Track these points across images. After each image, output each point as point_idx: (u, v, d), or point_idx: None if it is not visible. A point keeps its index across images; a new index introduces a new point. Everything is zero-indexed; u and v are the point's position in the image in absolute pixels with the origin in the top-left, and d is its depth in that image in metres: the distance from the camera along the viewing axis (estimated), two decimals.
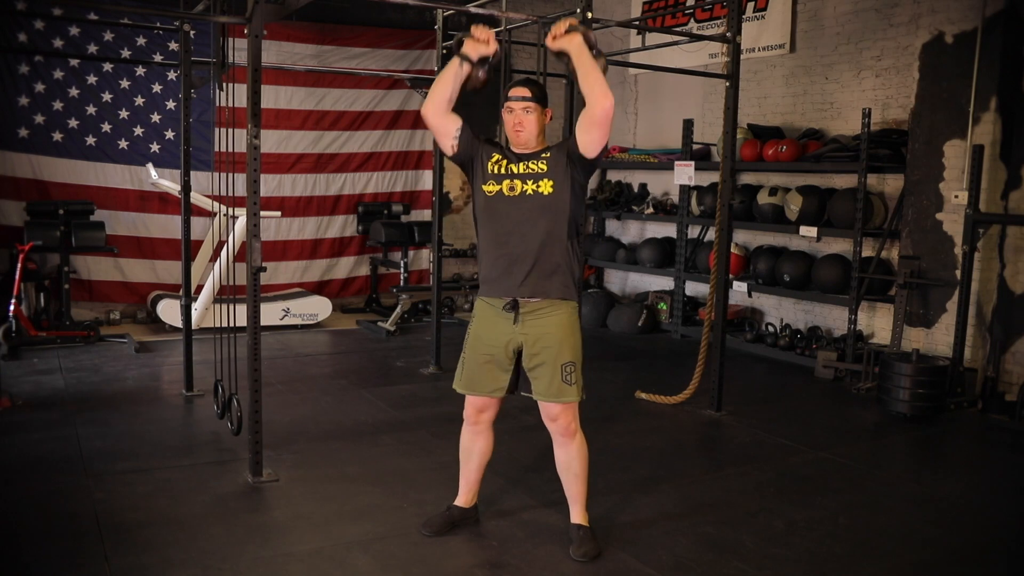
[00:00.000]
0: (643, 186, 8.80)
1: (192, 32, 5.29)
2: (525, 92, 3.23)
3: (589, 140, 3.15)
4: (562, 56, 3.18)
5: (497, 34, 5.50)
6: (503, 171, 3.25)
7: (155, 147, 7.72)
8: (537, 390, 3.29)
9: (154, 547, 3.32)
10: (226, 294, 5.94)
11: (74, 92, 7.40)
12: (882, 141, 6.32)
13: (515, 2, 7.94)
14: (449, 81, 3.21)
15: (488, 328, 3.33)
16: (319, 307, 7.90)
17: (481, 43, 3.20)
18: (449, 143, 3.28)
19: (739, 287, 7.06)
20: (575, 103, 4.75)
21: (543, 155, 3.25)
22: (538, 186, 3.21)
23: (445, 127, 3.27)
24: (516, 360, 3.34)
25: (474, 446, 3.49)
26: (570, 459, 3.36)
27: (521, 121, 3.23)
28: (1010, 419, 5.38)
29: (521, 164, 3.25)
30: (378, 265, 8.83)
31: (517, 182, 3.23)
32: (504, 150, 3.32)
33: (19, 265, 6.49)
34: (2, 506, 3.70)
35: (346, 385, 5.93)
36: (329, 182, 8.63)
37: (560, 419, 3.29)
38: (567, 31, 3.12)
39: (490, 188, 3.26)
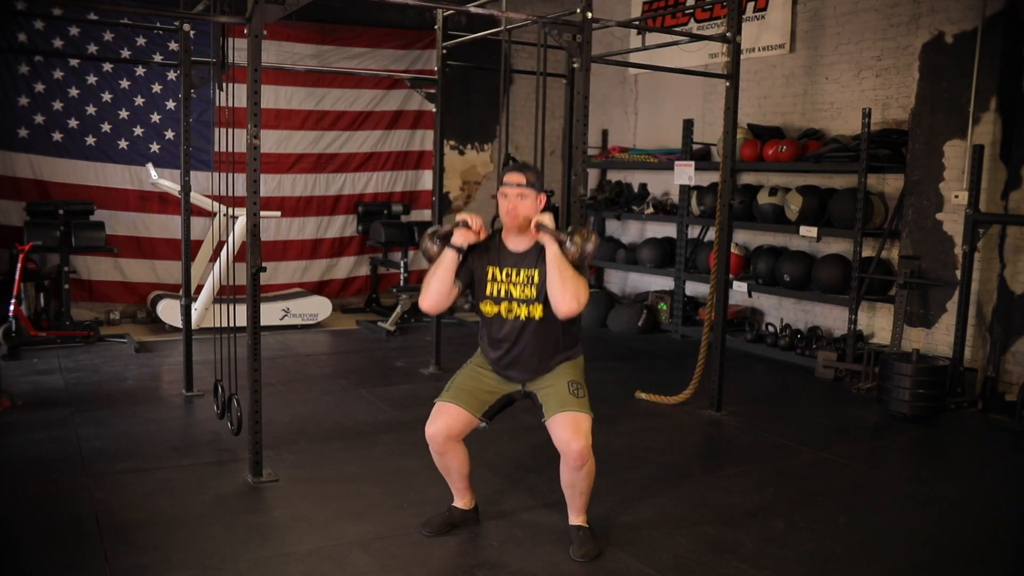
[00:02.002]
0: (643, 186, 8.80)
1: (192, 32, 5.28)
2: (520, 179, 3.28)
3: (560, 315, 3.26)
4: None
5: (497, 34, 5.53)
6: (500, 293, 3.34)
7: (155, 147, 7.72)
8: (548, 410, 3.30)
9: (154, 547, 3.32)
10: (226, 294, 5.94)
11: (74, 92, 7.40)
12: (882, 141, 6.32)
13: (515, 2, 7.94)
14: (446, 276, 3.29)
15: (489, 373, 3.46)
16: (319, 307, 7.90)
17: (472, 234, 3.29)
18: (455, 296, 3.38)
19: (739, 287, 7.06)
20: (575, 103, 4.76)
21: (536, 272, 3.30)
22: (530, 311, 3.31)
23: (449, 302, 3.37)
24: (506, 400, 3.45)
25: (450, 464, 3.45)
26: (577, 480, 3.32)
27: (515, 207, 3.28)
28: (1010, 419, 5.38)
29: (515, 277, 3.32)
30: (378, 265, 8.83)
31: (514, 305, 3.33)
32: (497, 252, 3.37)
33: (19, 265, 6.48)
34: (2, 506, 3.70)
35: (346, 385, 5.93)
36: (329, 182, 8.63)
37: (574, 444, 3.19)
38: (537, 229, 3.23)
39: (488, 309, 3.38)
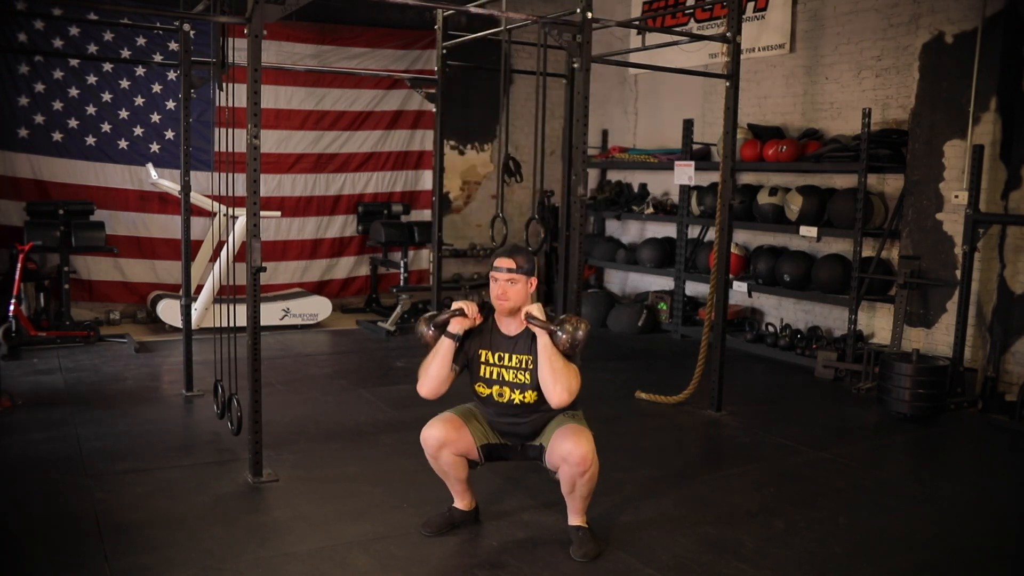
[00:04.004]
0: (643, 186, 8.80)
1: (192, 32, 5.29)
2: (510, 264, 3.30)
3: (552, 406, 3.28)
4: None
5: (497, 34, 5.53)
6: (493, 376, 3.37)
7: (155, 147, 7.72)
8: (547, 438, 3.35)
9: (154, 547, 3.32)
10: (226, 294, 5.94)
11: (74, 92, 7.40)
12: (882, 141, 6.32)
13: (515, 2, 7.94)
14: (444, 363, 3.32)
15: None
16: (319, 307, 7.90)
17: (468, 320, 3.32)
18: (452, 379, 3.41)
19: (739, 287, 7.06)
20: (574, 103, 4.76)
21: (528, 358, 3.31)
22: (524, 397, 3.34)
23: (447, 387, 3.39)
24: (503, 449, 3.49)
25: (446, 469, 3.46)
26: (579, 485, 3.31)
27: (505, 292, 3.30)
28: (1010, 419, 5.38)
29: (508, 361, 3.34)
30: (378, 265, 8.83)
31: (506, 390, 3.36)
32: (490, 335, 3.39)
33: (19, 265, 6.48)
34: (2, 506, 3.70)
35: (346, 385, 5.93)
36: (329, 182, 8.63)
37: (577, 450, 3.19)
38: (526, 319, 3.26)
39: (482, 391, 3.41)
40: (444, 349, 3.30)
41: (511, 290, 3.29)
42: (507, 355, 3.35)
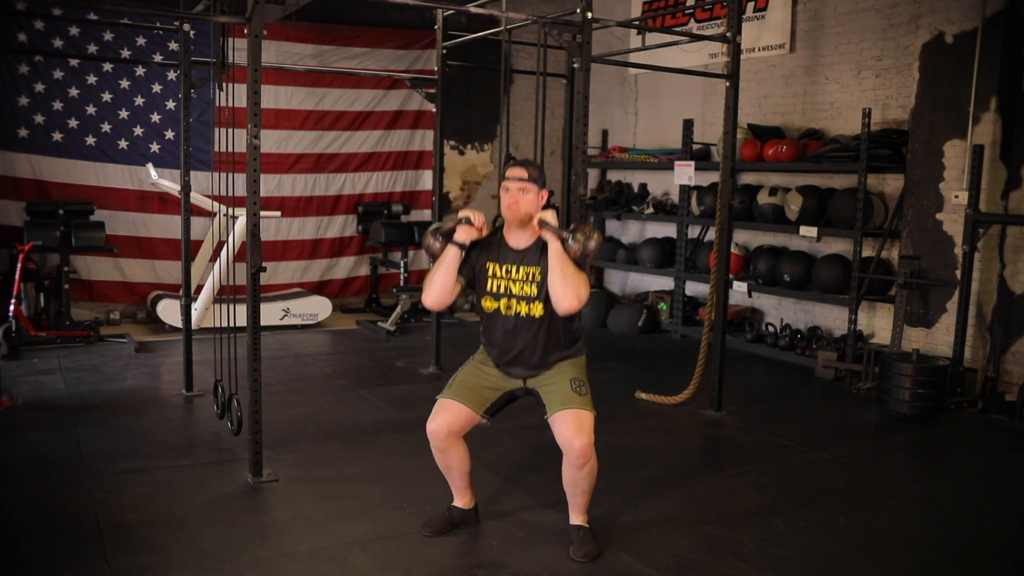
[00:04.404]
0: (643, 186, 8.80)
1: (192, 32, 5.28)
2: (522, 173, 3.29)
3: (560, 312, 3.25)
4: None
5: (497, 34, 5.53)
6: (500, 289, 3.35)
7: (155, 147, 7.72)
8: (549, 405, 3.31)
9: (154, 547, 3.32)
10: (226, 294, 5.94)
11: (74, 92, 7.40)
12: (882, 141, 6.32)
13: (515, 2, 7.94)
14: (449, 272, 3.30)
15: (492, 369, 3.45)
16: (319, 307, 7.90)
17: (475, 230, 3.29)
18: (457, 292, 3.38)
19: (739, 287, 7.06)
20: (574, 103, 4.76)
21: (537, 270, 3.30)
22: (530, 309, 3.32)
23: (452, 299, 3.37)
24: (509, 393, 3.44)
25: (451, 461, 3.45)
26: (579, 479, 3.32)
27: (516, 201, 3.28)
28: (1010, 419, 5.38)
29: (516, 274, 3.32)
30: (378, 265, 8.83)
31: (513, 302, 3.34)
32: (498, 248, 3.37)
33: (19, 265, 6.48)
34: (2, 506, 3.70)
35: (346, 385, 5.93)
36: (329, 182, 8.63)
37: (576, 442, 3.20)
38: (540, 226, 3.23)
39: (489, 305, 3.38)
40: (450, 257, 3.28)
41: (523, 199, 3.27)
42: (514, 267, 3.33)
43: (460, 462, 3.45)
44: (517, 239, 3.35)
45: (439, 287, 3.30)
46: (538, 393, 3.39)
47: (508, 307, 3.35)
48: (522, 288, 3.32)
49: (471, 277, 3.38)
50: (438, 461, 3.47)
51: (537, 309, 3.31)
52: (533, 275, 3.31)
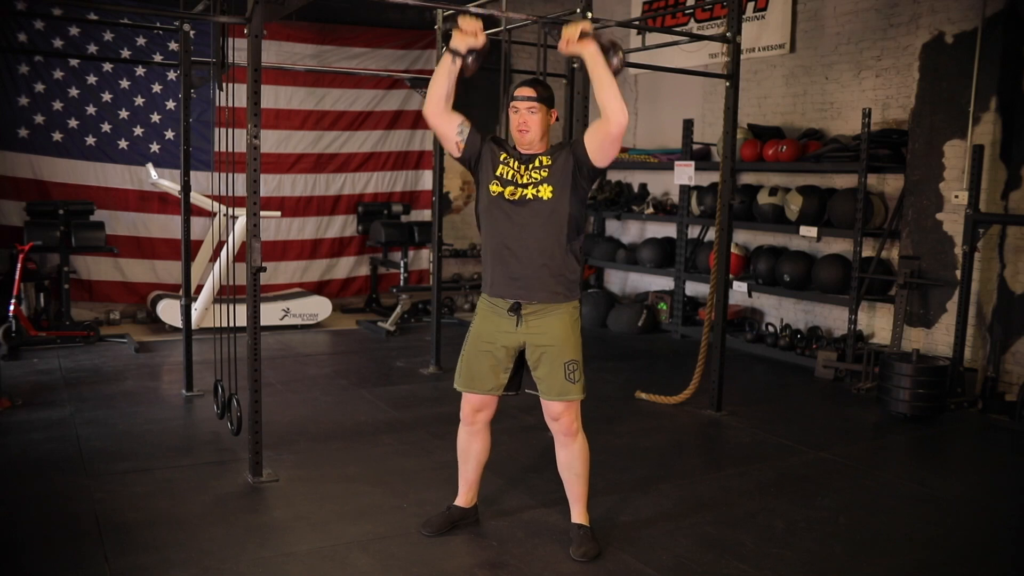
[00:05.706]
0: (643, 186, 8.80)
1: (192, 32, 5.29)
2: (531, 92, 3.25)
3: (602, 152, 3.18)
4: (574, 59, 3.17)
5: (497, 34, 5.53)
6: (508, 176, 3.28)
7: (155, 147, 7.72)
8: (541, 389, 3.33)
9: (154, 547, 3.32)
10: (226, 294, 5.94)
11: (74, 92, 7.40)
12: (882, 141, 6.32)
13: (515, 2, 7.93)
14: (443, 78, 3.21)
15: (490, 326, 3.35)
16: (319, 307, 7.90)
17: (469, 35, 3.20)
18: (453, 143, 3.29)
19: (739, 287, 7.06)
20: (575, 103, 4.76)
21: (546, 158, 3.27)
22: (538, 191, 3.23)
23: (446, 126, 3.28)
24: (517, 360, 3.36)
25: (471, 447, 3.50)
26: (572, 459, 3.37)
27: (526, 121, 3.24)
28: (1010, 419, 5.38)
29: (523, 169, 3.27)
30: (378, 265, 8.83)
31: (519, 189, 3.26)
32: (511, 149, 3.34)
33: (19, 265, 6.48)
34: (2, 506, 3.70)
35: (346, 385, 5.93)
36: (329, 182, 8.63)
37: (563, 418, 3.30)
38: (580, 37, 3.12)
39: (494, 188, 3.28)
40: (446, 64, 3.20)
41: (532, 119, 3.24)
42: (523, 166, 3.28)
43: (480, 452, 3.50)
44: (528, 150, 3.31)
45: (434, 95, 3.22)
46: (532, 350, 3.30)
47: (513, 193, 3.26)
48: (531, 175, 3.25)
49: (476, 153, 3.30)
50: (461, 446, 3.51)
51: (546, 191, 3.22)
52: (543, 163, 3.26)
